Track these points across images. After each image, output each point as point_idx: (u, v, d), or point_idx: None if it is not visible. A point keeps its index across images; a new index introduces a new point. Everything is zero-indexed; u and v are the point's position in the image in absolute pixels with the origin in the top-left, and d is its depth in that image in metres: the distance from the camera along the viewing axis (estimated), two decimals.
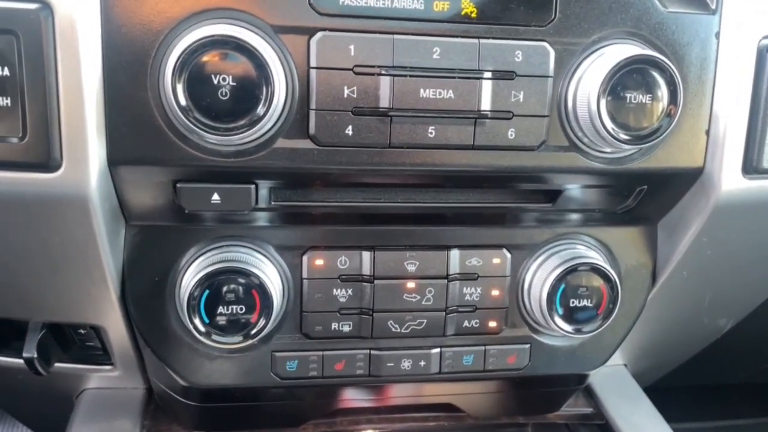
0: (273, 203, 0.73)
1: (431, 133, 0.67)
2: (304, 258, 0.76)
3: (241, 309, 0.71)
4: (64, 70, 0.60)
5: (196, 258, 0.74)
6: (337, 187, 0.74)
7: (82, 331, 0.86)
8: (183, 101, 0.59)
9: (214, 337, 0.71)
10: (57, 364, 0.87)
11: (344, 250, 0.76)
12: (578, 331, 0.78)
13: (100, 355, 0.89)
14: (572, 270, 0.77)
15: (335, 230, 0.77)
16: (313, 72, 0.64)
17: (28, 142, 0.61)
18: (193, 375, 0.78)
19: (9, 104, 0.60)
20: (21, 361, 0.83)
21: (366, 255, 0.77)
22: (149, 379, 0.90)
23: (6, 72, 0.59)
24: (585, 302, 0.78)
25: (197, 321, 0.70)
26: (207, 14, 0.62)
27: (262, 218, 0.76)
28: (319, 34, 0.64)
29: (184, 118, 0.60)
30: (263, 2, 0.63)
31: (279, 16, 0.63)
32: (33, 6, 0.59)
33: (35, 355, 0.80)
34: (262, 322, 0.71)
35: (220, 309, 0.71)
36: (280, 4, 0.63)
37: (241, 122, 0.61)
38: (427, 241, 0.78)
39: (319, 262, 0.76)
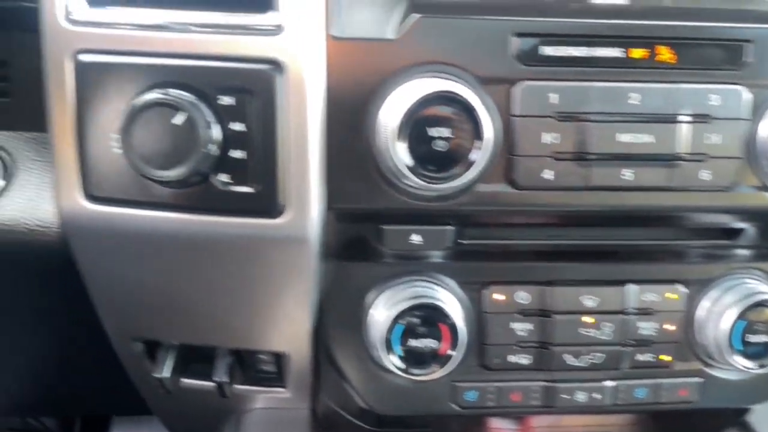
0: (459, 241, 0.76)
1: (629, 175, 0.69)
2: (484, 292, 0.79)
3: (433, 342, 0.75)
4: (292, 124, 0.65)
5: (384, 292, 0.78)
6: (520, 227, 0.77)
7: (263, 357, 0.91)
8: (403, 157, 0.63)
9: (410, 370, 0.75)
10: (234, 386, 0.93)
11: (522, 285, 0.79)
12: (761, 366, 0.78)
13: (273, 377, 0.94)
14: (755, 306, 0.77)
15: (513, 266, 0.79)
16: (515, 120, 0.67)
17: (259, 192, 0.66)
18: (376, 400, 0.82)
19: (245, 157, 0.65)
20: (204, 383, 0.89)
21: (544, 290, 0.79)
22: (316, 400, 0.95)
23: (242, 127, 0.65)
24: (764, 338, 0.78)
25: (393, 357, 0.74)
26: (417, 68, 0.66)
27: (441, 255, 0.80)
28: (521, 83, 0.67)
29: (406, 171, 0.64)
30: (471, 56, 0.66)
31: (485, 68, 0.67)
32: (266, 67, 0.64)
33: (227, 380, 0.85)
34: (452, 353, 0.75)
35: (414, 343, 0.75)
36: (486, 57, 0.66)
37: (453, 171, 0.64)
38: (602, 276, 0.80)
39: (499, 296, 0.79)
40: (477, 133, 0.64)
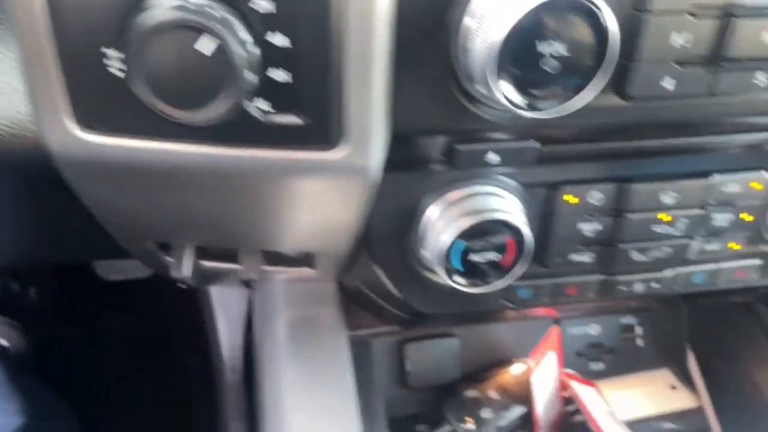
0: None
1: (763, 81, 0.55)
2: (553, 194, 0.69)
3: (496, 256, 0.66)
4: (353, 34, 0.47)
5: (442, 197, 0.67)
6: None
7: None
8: (505, 85, 0.48)
9: (469, 285, 0.67)
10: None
11: (597, 184, 0.69)
12: None
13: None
14: None
15: (587, 166, 0.68)
16: (645, 17, 0.51)
17: (308, 123, 0.50)
18: (418, 301, 0.76)
19: (289, 79, 0.49)
20: (228, 266, 0.81)
21: (620, 188, 0.69)
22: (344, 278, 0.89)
23: (285, 41, 0.47)
24: None
25: (457, 277, 0.66)
26: None
27: None
28: None
29: (505, 100, 0.49)
30: None
31: None
32: None
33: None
34: (516, 266, 0.67)
35: (475, 258, 0.66)
36: None
37: (568, 93, 0.50)
38: (684, 168, 0.70)
39: (570, 197, 0.69)
40: (602, 43, 0.48)
